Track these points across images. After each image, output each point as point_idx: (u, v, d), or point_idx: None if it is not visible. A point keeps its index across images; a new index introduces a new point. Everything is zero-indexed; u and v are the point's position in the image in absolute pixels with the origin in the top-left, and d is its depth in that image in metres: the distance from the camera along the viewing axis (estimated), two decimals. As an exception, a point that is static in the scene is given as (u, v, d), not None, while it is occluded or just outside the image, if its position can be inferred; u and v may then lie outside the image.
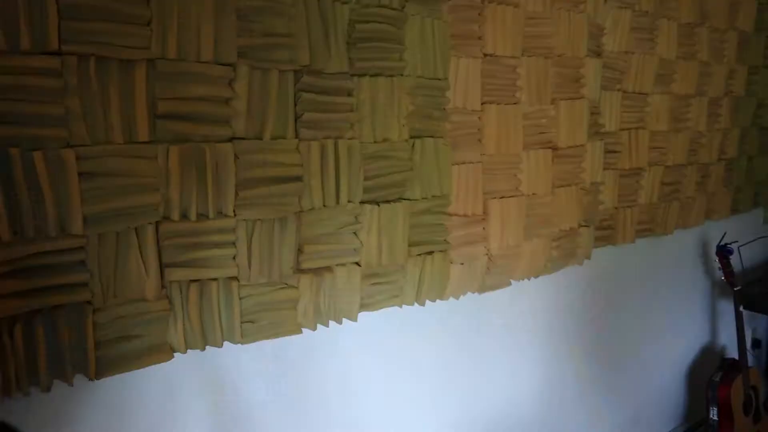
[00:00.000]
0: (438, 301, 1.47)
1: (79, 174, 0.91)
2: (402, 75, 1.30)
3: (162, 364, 1.06)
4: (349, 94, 1.22)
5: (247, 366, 1.21)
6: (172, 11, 0.96)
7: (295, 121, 1.15)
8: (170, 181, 1.00)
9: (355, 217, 1.26)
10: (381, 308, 1.35)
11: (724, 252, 2.36)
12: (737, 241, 2.47)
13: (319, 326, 1.26)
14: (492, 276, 1.58)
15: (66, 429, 1.00)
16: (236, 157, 1.07)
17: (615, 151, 1.93)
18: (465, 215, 1.48)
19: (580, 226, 1.81)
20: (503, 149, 1.54)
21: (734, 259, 2.41)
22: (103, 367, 0.99)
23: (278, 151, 1.13)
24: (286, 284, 1.19)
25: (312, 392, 1.32)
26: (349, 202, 1.24)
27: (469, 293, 1.54)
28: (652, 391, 2.44)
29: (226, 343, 1.13)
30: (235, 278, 1.12)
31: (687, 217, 2.29)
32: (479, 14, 1.44)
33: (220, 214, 1.08)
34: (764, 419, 2.49)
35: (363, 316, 1.32)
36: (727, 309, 2.67)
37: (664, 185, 2.14)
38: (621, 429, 2.31)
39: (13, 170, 0.86)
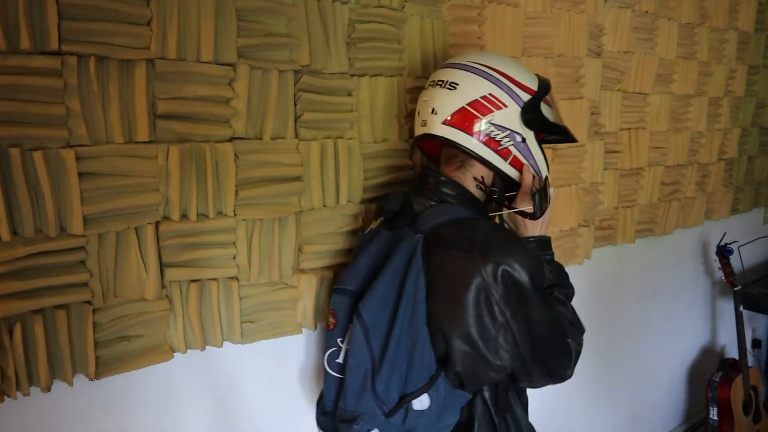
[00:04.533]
0: (438, 301, 1.47)
1: (79, 174, 0.91)
2: (402, 75, 1.30)
3: (162, 364, 1.06)
4: (349, 94, 1.22)
5: (247, 366, 1.21)
6: (172, 11, 0.96)
7: (295, 121, 1.15)
8: (170, 181, 1.01)
9: (355, 217, 1.26)
10: (381, 308, 1.35)
11: (724, 252, 2.36)
12: (737, 241, 2.48)
13: (318, 326, 1.26)
14: (492, 276, 1.58)
15: (66, 429, 1.00)
16: (236, 157, 1.07)
17: (615, 151, 1.93)
18: (465, 215, 1.48)
19: (580, 226, 1.81)
20: (503, 149, 1.54)
21: (734, 259, 2.41)
22: (103, 367, 0.99)
23: (278, 151, 1.13)
24: (286, 284, 1.19)
25: (312, 392, 1.31)
26: (348, 202, 1.24)
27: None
28: (652, 391, 2.44)
29: (226, 342, 1.14)
30: (235, 278, 1.12)
31: (687, 217, 2.29)
32: (479, 14, 1.44)
33: (220, 214, 1.08)
34: (764, 419, 2.49)
35: (363, 316, 1.32)
36: (727, 309, 2.67)
37: (664, 185, 2.14)
38: (621, 429, 2.31)
39: (13, 170, 0.87)
